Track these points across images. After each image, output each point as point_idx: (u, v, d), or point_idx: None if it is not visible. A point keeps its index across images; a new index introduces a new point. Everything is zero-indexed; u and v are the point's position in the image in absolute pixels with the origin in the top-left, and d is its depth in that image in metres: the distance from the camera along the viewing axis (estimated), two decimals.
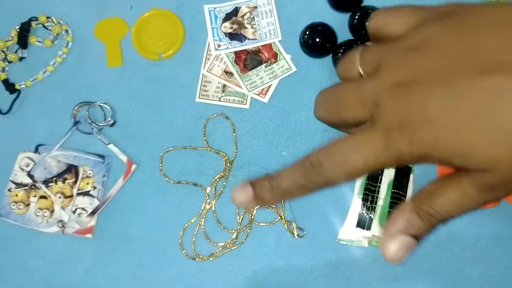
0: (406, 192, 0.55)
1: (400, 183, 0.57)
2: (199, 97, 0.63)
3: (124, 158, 0.60)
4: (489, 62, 0.34)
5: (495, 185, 0.36)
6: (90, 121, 0.62)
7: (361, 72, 0.42)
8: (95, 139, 0.62)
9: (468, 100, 0.34)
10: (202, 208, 0.60)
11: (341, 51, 0.59)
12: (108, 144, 0.61)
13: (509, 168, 0.34)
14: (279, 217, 0.59)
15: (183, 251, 0.60)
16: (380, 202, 0.57)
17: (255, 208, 0.59)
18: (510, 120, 0.33)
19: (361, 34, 0.60)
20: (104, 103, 0.63)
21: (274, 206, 0.59)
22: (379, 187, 0.58)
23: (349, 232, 0.57)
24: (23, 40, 0.65)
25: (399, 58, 0.38)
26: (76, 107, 0.63)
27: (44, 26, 0.66)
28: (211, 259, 0.59)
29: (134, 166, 0.60)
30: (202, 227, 0.60)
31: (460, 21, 0.36)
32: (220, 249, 0.60)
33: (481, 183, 0.36)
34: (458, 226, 0.56)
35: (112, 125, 0.62)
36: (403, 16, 0.42)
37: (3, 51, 0.66)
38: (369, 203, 0.57)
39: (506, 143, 0.33)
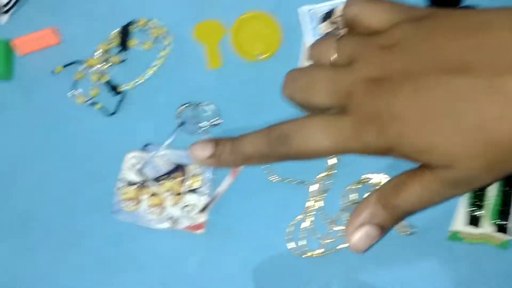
0: None
1: (510, 180, 0.58)
2: None
3: None
4: (454, 63, 0.36)
5: (457, 181, 0.37)
6: (195, 121, 0.64)
7: (335, 61, 0.44)
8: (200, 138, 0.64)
9: (432, 98, 0.36)
10: (308, 205, 0.62)
11: None
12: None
13: (469, 166, 0.35)
14: None
15: (291, 248, 0.62)
16: (490, 200, 0.58)
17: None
18: (470, 121, 0.34)
19: None
20: (208, 104, 0.65)
21: None
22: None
23: (459, 229, 0.59)
24: (123, 43, 0.68)
25: (373, 55, 0.39)
26: (180, 108, 0.65)
27: (143, 29, 0.68)
28: (319, 255, 0.61)
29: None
30: (310, 224, 0.62)
31: (431, 24, 0.38)
32: (325, 244, 0.61)
33: (444, 178, 0.37)
34: None
35: (215, 125, 0.64)
36: (382, 12, 0.43)
37: (105, 53, 0.68)
38: (478, 200, 0.58)
39: (465, 143, 0.34)
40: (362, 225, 0.41)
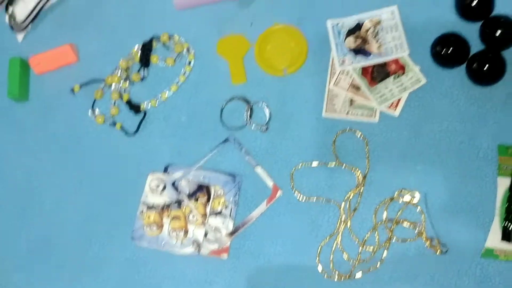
0: None
1: None
2: (326, 112, 0.62)
3: (270, 182, 0.61)
4: None
5: None
6: (239, 145, 0.61)
7: None
8: (223, 156, 0.62)
9: None
10: (338, 225, 0.60)
11: (475, 63, 0.59)
12: (255, 166, 0.61)
13: None
14: (419, 234, 0.58)
15: (321, 270, 0.59)
16: None
17: (394, 224, 0.58)
18: None
19: (494, 44, 0.59)
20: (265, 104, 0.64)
21: (414, 223, 0.58)
22: None
23: (494, 246, 0.56)
24: (145, 59, 0.66)
25: None
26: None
27: (165, 45, 0.66)
28: (350, 277, 0.58)
29: (280, 192, 0.60)
30: (339, 245, 0.59)
31: None
32: (355, 265, 0.59)
33: None
34: None
35: (266, 130, 0.63)
36: None
37: (125, 71, 0.66)
38: None
39: None
40: None
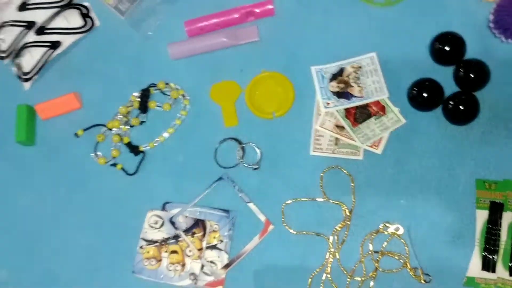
0: None
1: None
2: (313, 151, 0.67)
3: (262, 217, 0.64)
4: None
5: None
6: (233, 182, 0.66)
7: None
8: (217, 193, 0.66)
9: None
10: (327, 257, 0.63)
11: (450, 103, 0.63)
12: (248, 202, 0.65)
13: None
14: (404, 265, 0.62)
15: None
16: (503, 244, 0.59)
17: (380, 255, 0.62)
18: None
19: (467, 86, 0.64)
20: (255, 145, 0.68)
21: (399, 254, 0.62)
22: (500, 230, 0.60)
23: (475, 275, 0.60)
24: (143, 105, 0.70)
25: None
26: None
27: (162, 92, 0.71)
28: None
29: (271, 227, 0.64)
30: (329, 276, 0.63)
31: None
32: None
33: None
34: None
35: (257, 168, 0.67)
36: None
37: (125, 116, 0.71)
38: (491, 246, 0.60)
39: None
40: None
